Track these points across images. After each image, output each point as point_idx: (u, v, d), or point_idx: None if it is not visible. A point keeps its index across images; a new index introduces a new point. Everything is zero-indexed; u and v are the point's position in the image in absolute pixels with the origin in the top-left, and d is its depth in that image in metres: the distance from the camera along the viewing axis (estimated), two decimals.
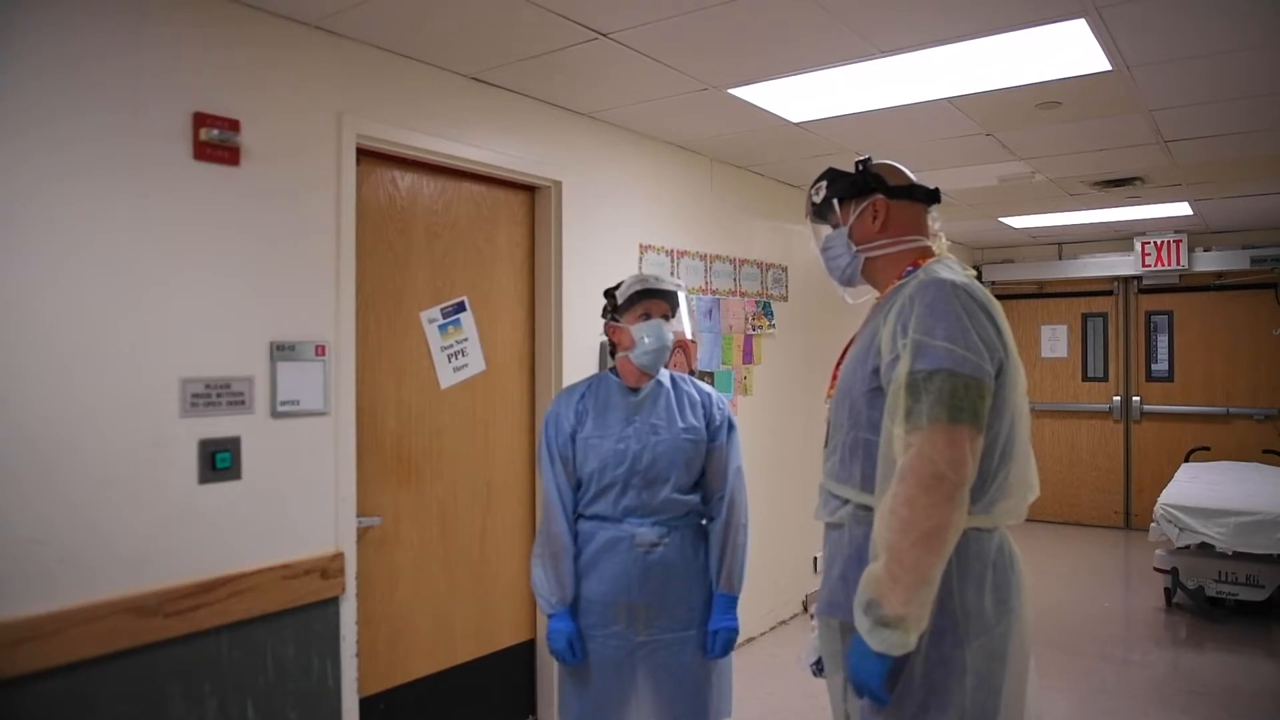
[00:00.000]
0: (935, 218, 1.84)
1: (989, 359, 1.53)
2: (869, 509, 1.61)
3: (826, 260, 1.86)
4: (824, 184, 1.83)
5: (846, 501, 1.68)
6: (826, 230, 1.87)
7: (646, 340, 2.27)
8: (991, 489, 1.57)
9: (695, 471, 2.32)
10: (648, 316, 2.30)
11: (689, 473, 2.30)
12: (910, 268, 1.73)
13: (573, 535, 2.29)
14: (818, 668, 1.86)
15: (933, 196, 1.82)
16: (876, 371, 1.62)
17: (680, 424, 2.31)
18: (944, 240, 1.82)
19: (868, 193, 1.79)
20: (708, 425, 2.35)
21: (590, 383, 2.43)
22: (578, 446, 2.30)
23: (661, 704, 2.25)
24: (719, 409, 2.38)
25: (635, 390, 2.35)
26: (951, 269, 1.69)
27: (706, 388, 2.45)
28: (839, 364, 1.83)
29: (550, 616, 2.28)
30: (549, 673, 3.44)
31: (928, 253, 1.77)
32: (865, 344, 1.69)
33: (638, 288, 2.31)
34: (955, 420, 1.47)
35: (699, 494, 2.35)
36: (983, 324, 1.55)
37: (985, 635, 1.56)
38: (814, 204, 1.85)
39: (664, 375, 2.40)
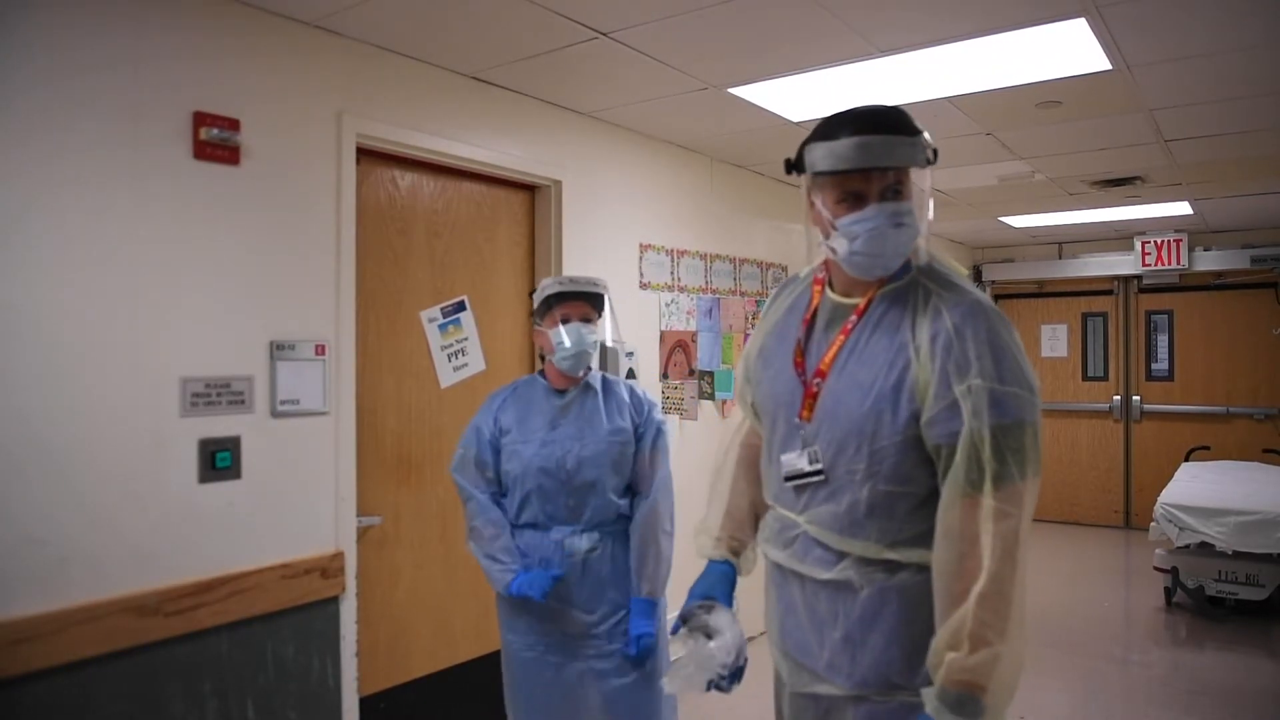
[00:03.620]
0: None
1: (1038, 395, 1.39)
2: (880, 563, 1.43)
3: (902, 234, 1.42)
4: (927, 138, 1.43)
5: (845, 555, 1.45)
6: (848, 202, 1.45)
7: (565, 344, 2.19)
8: None
9: (626, 475, 2.25)
10: (567, 319, 2.21)
11: (618, 476, 2.22)
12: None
13: (503, 513, 2.23)
14: (727, 681, 1.57)
15: None
16: (915, 418, 1.37)
17: (607, 426, 2.23)
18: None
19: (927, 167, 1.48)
20: (636, 427, 2.26)
21: (515, 386, 2.36)
22: (502, 452, 2.24)
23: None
24: (650, 413, 2.30)
25: (561, 393, 2.27)
26: (953, 272, 1.50)
27: (640, 391, 2.36)
28: (815, 378, 1.50)
29: (512, 582, 2.15)
30: None
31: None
32: (885, 378, 1.41)
33: (553, 290, 2.23)
34: (1035, 474, 1.35)
35: (628, 498, 2.28)
36: (1025, 355, 1.40)
37: None
38: (927, 160, 1.42)
39: (595, 378, 2.32)
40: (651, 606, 2.21)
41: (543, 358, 2.33)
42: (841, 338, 1.49)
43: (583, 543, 2.18)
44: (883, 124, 1.41)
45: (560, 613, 2.18)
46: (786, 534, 1.55)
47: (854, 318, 1.49)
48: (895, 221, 1.41)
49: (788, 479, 1.51)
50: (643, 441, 2.26)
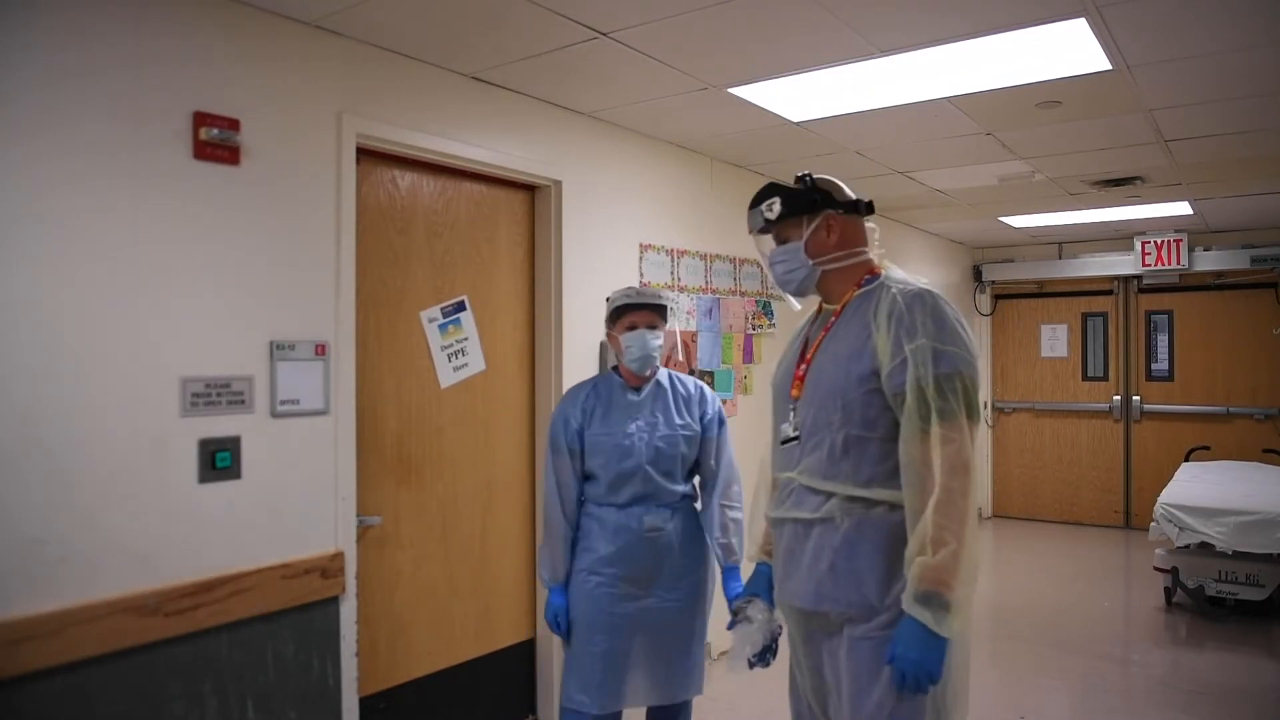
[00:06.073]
0: (873, 228, 1.97)
1: (975, 360, 1.74)
2: (857, 500, 1.75)
3: (779, 273, 1.95)
4: (776, 200, 1.91)
5: (831, 495, 1.78)
6: (770, 243, 1.98)
7: (631, 349, 2.53)
8: None
9: (690, 463, 2.61)
10: (634, 327, 2.52)
11: (684, 465, 2.59)
12: (869, 276, 1.89)
13: (570, 522, 2.56)
14: (757, 659, 2.02)
15: (870, 209, 1.95)
16: (876, 373, 1.74)
17: (678, 420, 2.58)
18: (880, 248, 1.97)
19: (818, 208, 1.90)
20: (701, 419, 2.62)
21: (595, 382, 2.66)
22: (586, 442, 2.54)
23: (656, 656, 2.52)
24: (711, 405, 2.66)
25: (636, 389, 2.59)
26: (909, 279, 1.86)
27: (700, 383, 2.70)
28: (801, 365, 1.92)
29: (549, 590, 2.59)
30: (549, 672, 3.44)
31: (873, 263, 1.92)
32: (851, 348, 1.80)
33: (620, 302, 2.57)
34: (970, 416, 1.68)
35: (690, 481, 2.64)
36: (967, 329, 1.76)
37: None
38: (767, 220, 1.92)
39: (662, 375, 2.64)
40: (736, 569, 2.59)
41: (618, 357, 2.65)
42: (824, 333, 1.90)
43: (658, 519, 2.52)
44: (755, 199, 1.95)
45: (635, 575, 2.50)
46: (784, 492, 1.89)
47: (834, 318, 1.89)
48: (769, 261, 1.98)
49: (782, 442, 1.91)
50: (709, 431, 2.62)
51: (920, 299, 1.74)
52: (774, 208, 1.90)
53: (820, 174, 1.94)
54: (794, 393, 1.90)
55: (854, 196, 1.93)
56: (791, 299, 2.01)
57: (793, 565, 1.85)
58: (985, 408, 8.14)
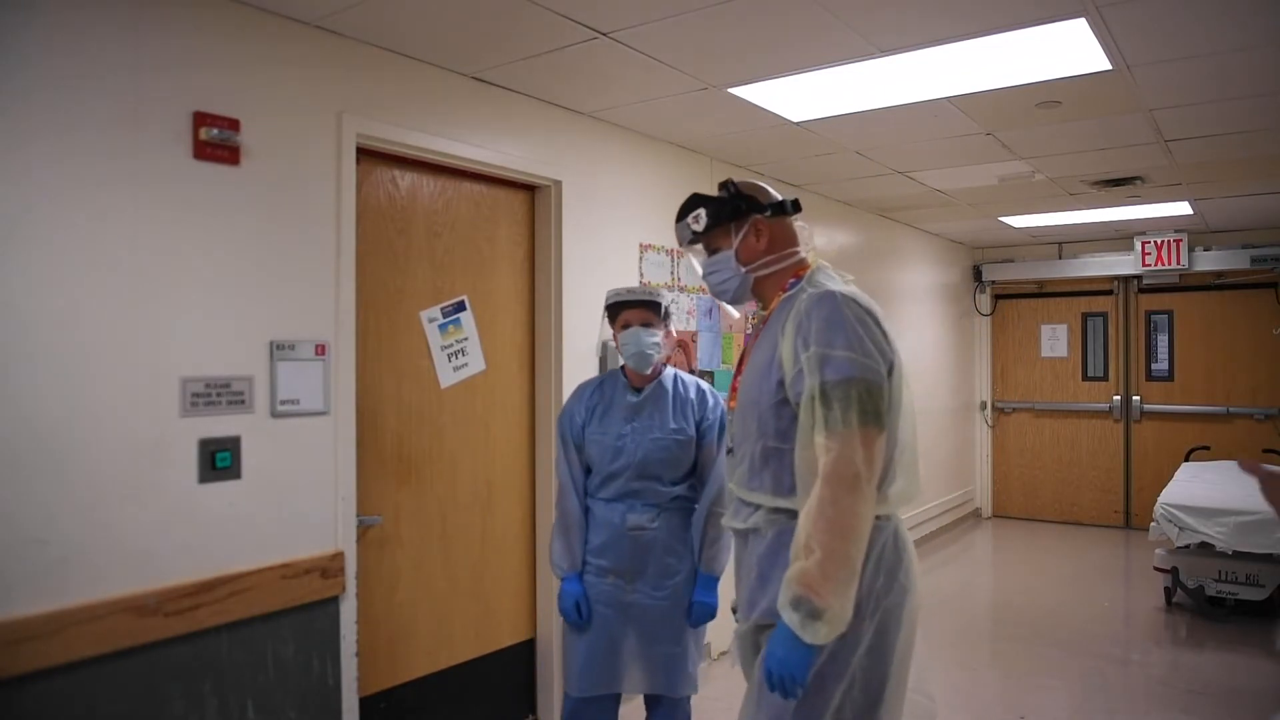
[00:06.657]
0: (803, 225, 1.95)
1: (882, 362, 1.67)
2: (781, 510, 1.74)
3: (713, 284, 1.95)
4: (701, 211, 1.92)
5: (758, 507, 1.79)
6: (702, 254, 1.98)
7: (626, 347, 2.56)
8: (885, 476, 1.70)
9: (683, 467, 2.58)
10: (628, 325, 2.54)
11: (676, 469, 2.57)
12: (793, 279, 1.86)
13: (583, 511, 2.60)
14: None
15: (797, 207, 1.93)
16: (782, 384, 1.73)
17: (672, 425, 2.57)
18: (815, 245, 1.95)
19: (744, 214, 1.89)
20: (699, 424, 2.60)
21: (601, 380, 2.71)
22: (585, 439, 2.59)
23: (647, 650, 2.54)
24: (712, 410, 2.63)
25: (638, 390, 2.60)
26: (833, 278, 1.84)
27: (705, 387, 2.67)
28: (737, 376, 1.93)
29: (562, 580, 2.59)
30: (549, 672, 3.44)
31: (805, 263, 1.90)
32: (767, 357, 1.78)
33: (612, 301, 2.61)
34: (864, 424, 1.61)
35: (688, 484, 2.61)
36: (872, 330, 1.68)
37: (877, 611, 1.69)
38: (695, 233, 1.93)
39: (668, 375, 2.64)
40: (712, 582, 2.60)
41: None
42: (752, 342, 1.90)
43: (641, 518, 2.53)
44: (680, 212, 2.00)
45: (619, 569, 2.55)
46: (732, 503, 1.90)
47: (762, 325, 1.88)
48: (703, 271, 1.98)
49: (728, 453, 1.93)
50: (709, 434, 2.59)
51: (821, 302, 1.70)
52: (700, 219, 1.92)
53: (745, 180, 1.95)
54: (731, 404, 1.91)
55: (779, 198, 1.91)
56: (729, 308, 2.00)
57: (740, 574, 1.87)
58: (985, 408, 8.15)
